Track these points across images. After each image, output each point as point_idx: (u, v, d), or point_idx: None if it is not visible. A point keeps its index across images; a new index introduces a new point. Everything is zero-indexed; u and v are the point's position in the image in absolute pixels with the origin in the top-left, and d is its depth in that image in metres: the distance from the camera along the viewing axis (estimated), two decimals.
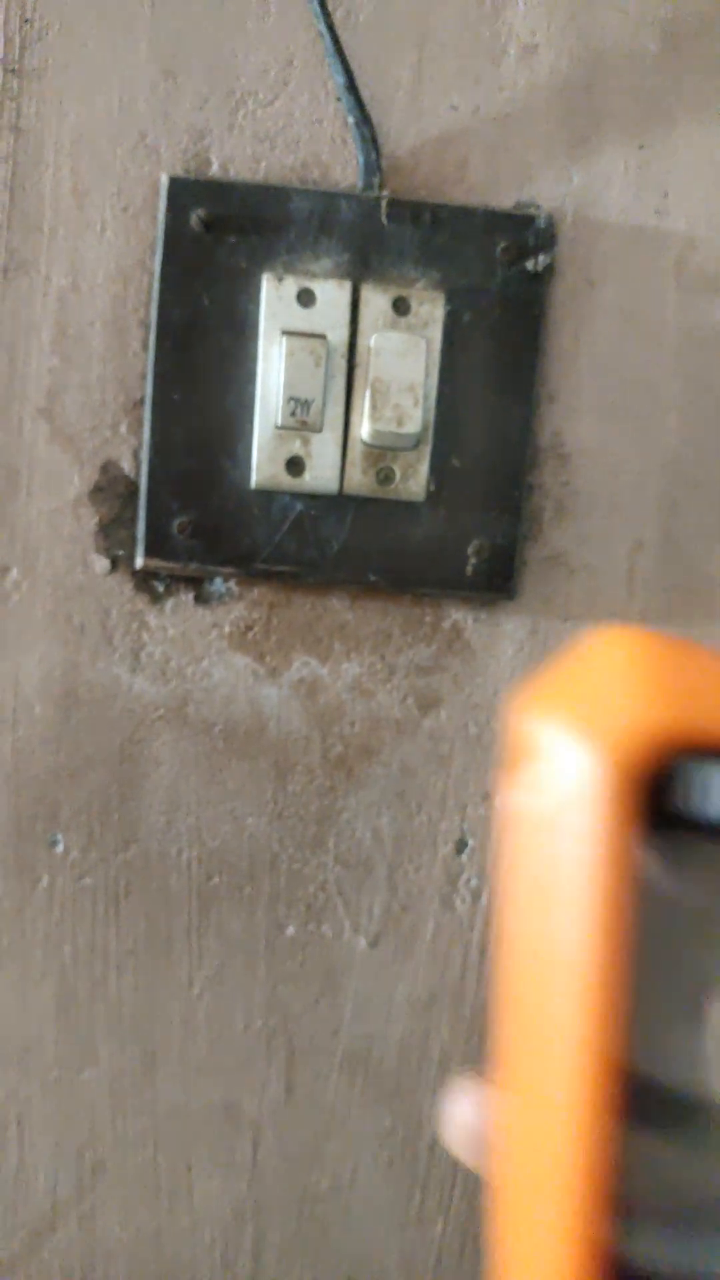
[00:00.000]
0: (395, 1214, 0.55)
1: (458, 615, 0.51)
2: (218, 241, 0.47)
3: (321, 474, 0.48)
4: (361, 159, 0.47)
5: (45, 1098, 0.51)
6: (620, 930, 0.13)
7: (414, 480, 0.48)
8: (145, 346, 0.48)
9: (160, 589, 0.49)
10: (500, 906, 0.16)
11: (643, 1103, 0.15)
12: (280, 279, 0.47)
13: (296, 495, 0.48)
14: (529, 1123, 0.16)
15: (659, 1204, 0.16)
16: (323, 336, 0.47)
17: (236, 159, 0.48)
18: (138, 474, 0.48)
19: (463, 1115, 0.21)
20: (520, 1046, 0.16)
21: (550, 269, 0.49)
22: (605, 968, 0.13)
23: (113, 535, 0.49)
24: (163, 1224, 0.53)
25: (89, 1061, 0.51)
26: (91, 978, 0.51)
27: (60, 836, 0.50)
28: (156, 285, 0.47)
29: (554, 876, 0.14)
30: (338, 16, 0.46)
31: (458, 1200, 0.54)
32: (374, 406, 0.47)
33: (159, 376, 0.47)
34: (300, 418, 0.46)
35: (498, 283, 0.48)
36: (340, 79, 0.47)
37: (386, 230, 0.47)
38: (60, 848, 0.50)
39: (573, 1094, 0.15)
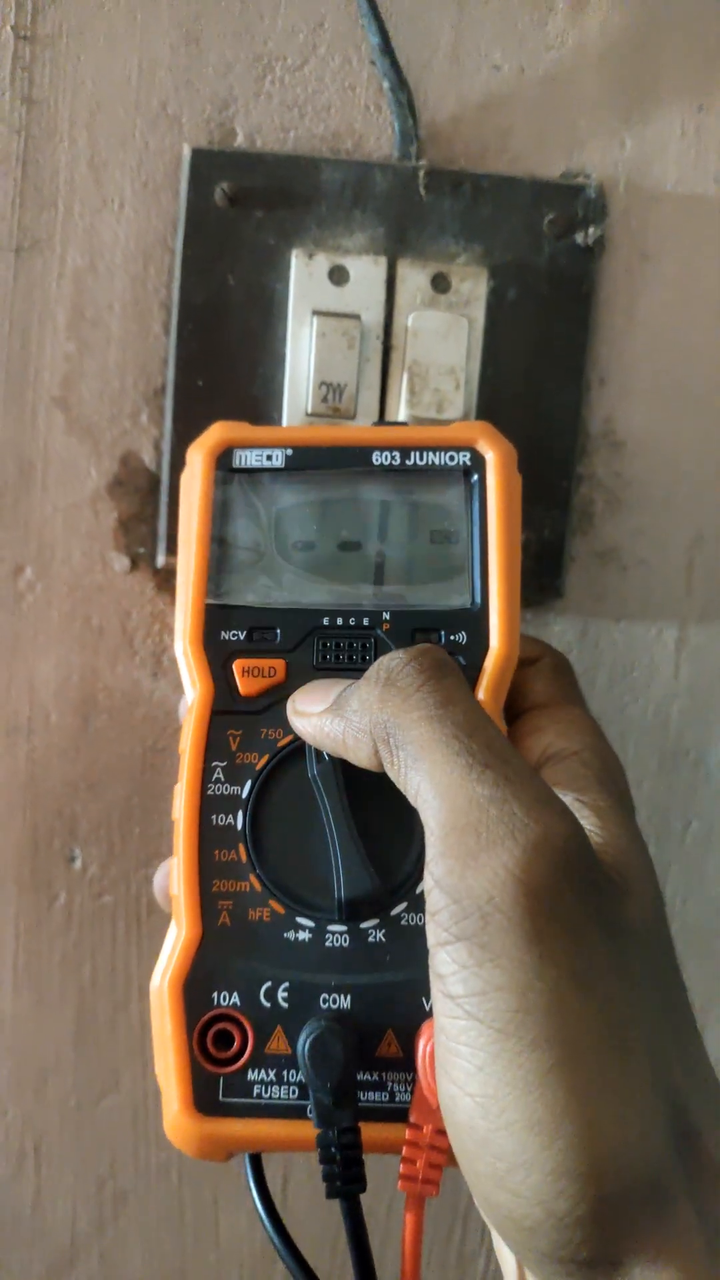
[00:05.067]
0: (435, 1254, 0.52)
1: None
2: (244, 216, 0.45)
3: None
4: (397, 126, 0.45)
5: (64, 1126, 0.50)
6: (208, 514, 0.37)
7: None
8: (167, 330, 0.46)
9: None
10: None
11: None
12: (311, 255, 0.45)
13: None
14: None
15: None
16: (356, 316, 0.44)
17: (263, 128, 0.45)
18: (160, 466, 0.46)
19: (160, 878, 0.37)
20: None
21: (601, 242, 0.47)
22: (202, 530, 0.36)
23: (133, 532, 0.47)
24: (188, 1261, 0.51)
25: (109, 1089, 0.49)
26: (113, 1000, 0.49)
27: (78, 851, 0.48)
28: (179, 264, 0.45)
29: (188, 500, 0.37)
30: None
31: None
32: (412, 391, 0.44)
33: (182, 361, 0.45)
34: (332, 404, 0.44)
35: (545, 257, 0.46)
36: (375, 40, 0.44)
37: (425, 202, 0.45)
38: (78, 863, 0.48)
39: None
